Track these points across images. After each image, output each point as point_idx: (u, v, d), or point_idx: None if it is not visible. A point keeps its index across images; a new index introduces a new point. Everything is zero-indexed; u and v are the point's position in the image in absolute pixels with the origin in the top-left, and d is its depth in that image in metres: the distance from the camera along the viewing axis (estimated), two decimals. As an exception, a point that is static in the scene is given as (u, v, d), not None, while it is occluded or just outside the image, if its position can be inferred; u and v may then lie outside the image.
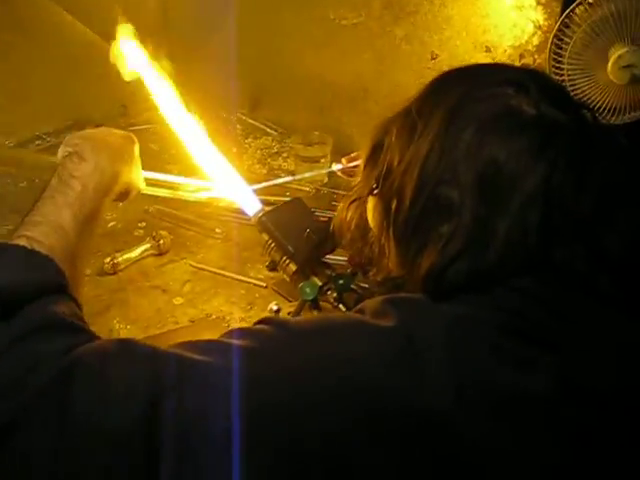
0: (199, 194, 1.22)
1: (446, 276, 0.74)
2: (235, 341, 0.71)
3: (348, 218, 0.97)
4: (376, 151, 0.89)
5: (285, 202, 1.27)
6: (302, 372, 0.67)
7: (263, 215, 1.19)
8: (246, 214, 1.23)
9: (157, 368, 0.67)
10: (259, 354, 0.69)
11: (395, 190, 0.82)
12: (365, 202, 0.93)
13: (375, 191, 0.88)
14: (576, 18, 1.36)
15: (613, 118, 1.38)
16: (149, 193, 1.14)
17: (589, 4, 1.36)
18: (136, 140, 1.06)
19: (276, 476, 0.64)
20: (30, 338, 0.68)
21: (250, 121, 2.20)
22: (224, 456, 0.63)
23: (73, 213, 0.87)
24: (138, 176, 1.07)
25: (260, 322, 0.76)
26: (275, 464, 0.63)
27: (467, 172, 0.74)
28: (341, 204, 0.99)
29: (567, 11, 1.37)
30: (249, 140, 2.13)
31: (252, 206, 1.22)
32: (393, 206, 0.82)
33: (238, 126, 2.21)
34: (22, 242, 0.80)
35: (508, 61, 1.61)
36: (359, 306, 0.77)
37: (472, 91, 0.79)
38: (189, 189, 1.21)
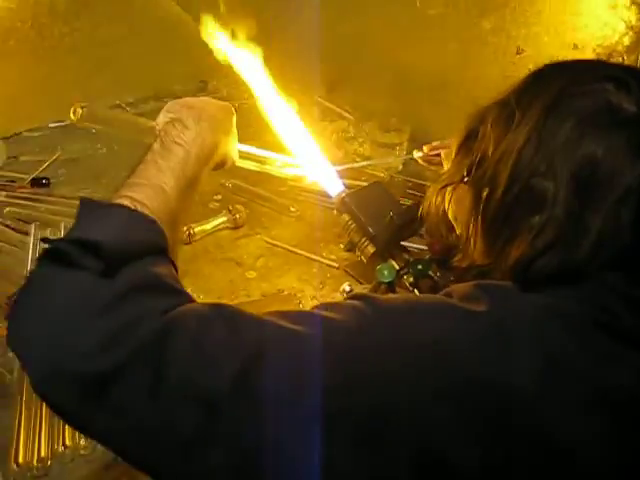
0: (286, 170, 1.24)
1: (535, 267, 0.75)
2: (325, 313, 0.73)
3: (437, 203, 0.98)
4: (469, 139, 0.90)
5: (367, 185, 1.29)
6: (390, 349, 0.68)
7: (346, 196, 1.21)
8: (327, 194, 1.24)
9: (251, 334, 0.69)
10: (348, 327, 0.70)
11: (488, 178, 0.83)
12: (455, 189, 0.94)
13: (466, 179, 0.89)
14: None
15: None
16: (241, 165, 1.16)
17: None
18: (234, 111, 1.08)
19: (358, 449, 0.65)
20: (131, 296, 0.70)
21: (327, 104, 2.22)
22: (311, 422, 0.65)
23: (175, 178, 0.89)
24: (234, 147, 1.09)
25: (350, 298, 0.78)
26: (357, 437, 0.65)
27: (563, 165, 0.75)
28: (430, 189, 1.00)
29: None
30: (325, 123, 2.15)
31: (334, 186, 1.24)
32: (484, 194, 0.83)
33: (315, 109, 2.22)
34: (126, 202, 0.81)
35: (603, 56, 1.59)
36: (445, 290, 0.78)
37: (572, 85, 0.79)
38: (276, 164, 1.23)
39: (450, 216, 0.98)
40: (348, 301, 0.76)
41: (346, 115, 2.17)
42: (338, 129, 2.11)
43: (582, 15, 1.62)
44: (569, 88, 0.79)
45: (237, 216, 1.65)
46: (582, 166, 0.74)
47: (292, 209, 1.71)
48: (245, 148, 1.17)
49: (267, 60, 1.26)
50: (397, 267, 1.21)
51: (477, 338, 0.69)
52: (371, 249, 1.21)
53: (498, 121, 0.84)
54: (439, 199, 0.98)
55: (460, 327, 0.70)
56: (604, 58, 1.60)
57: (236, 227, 1.66)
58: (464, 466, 0.65)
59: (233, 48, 1.23)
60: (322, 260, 1.55)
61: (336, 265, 1.53)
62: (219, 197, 1.77)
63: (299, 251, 1.57)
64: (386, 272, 1.19)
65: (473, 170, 0.87)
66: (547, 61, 0.86)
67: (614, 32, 1.58)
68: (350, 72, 2.18)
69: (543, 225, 0.75)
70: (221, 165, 1.07)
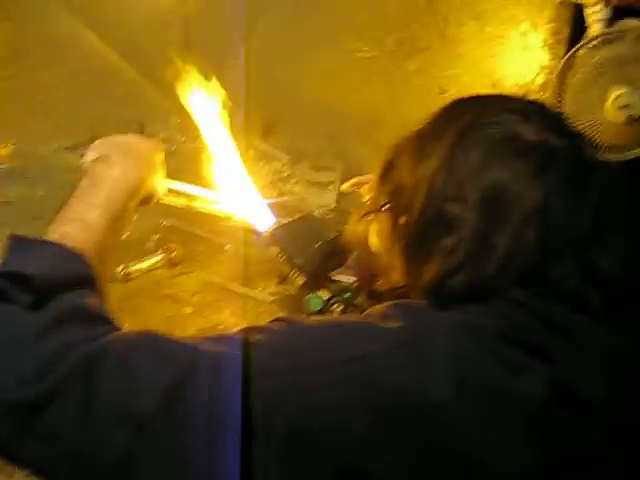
0: (215, 206, 1.28)
1: (447, 286, 0.80)
2: (248, 335, 0.76)
3: (359, 231, 1.03)
4: (388, 169, 0.95)
5: (297, 217, 1.33)
6: (307, 366, 0.72)
7: (275, 229, 1.25)
8: (258, 228, 1.28)
9: (177, 358, 0.73)
10: (269, 347, 0.74)
11: (404, 206, 0.88)
12: (375, 217, 0.99)
13: (385, 207, 0.94)
14: (578, 60, 1.44)
15: (612, 156, 1.45)
16: (169, 202, 1.19)
17: (591, 47, 1.44)
18: (162, 148, 1.12)
19: (284, 463, 0.68)
20: (61, 326, 0.74)
21: (263, 146, 2.26)
22: (237, 439, 0.68)
23: (102, 213, 0.93)
24: (160, 183, 1.13)
25: (274, 320, 0.82)
26: (282, 450, 0.68)
27: (472, 190, 0.81)
28: (352, 218, 1.05)
29: (570, 52, 1.45)
30: (261, 164, 2.20)
31: (265, 220, 1.28)
32: (401, 221, 0.89)
33: (251, 150, 2.27)
34: (54, 237, 0.86)
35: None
36: (365, 312, 0.83)
37: (480, 117, 0.86)
38: (205, 201, 1.27)
39: (371, 243, 1.03)
40: (271, 324, 0.80)
41: (281, 156, 2.22)
42: (273, 170, 2.16)
43: (499, 56, 1.71)
44: (477, 119, 0.86)
45: (173, 255, 1.68)
46: (488, 190, 0.80)
47: (227, 247, 1.74)
48: (174, 185, 1.20)
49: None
50: (326, 297, 1.25)
51: (392, 351, 0.73)
52: (300, 280, 1.25)
53: (413, 152, 0.90)
54: (360, 227, 1.03)
55: (375, 342, 0.74)
56: (530, 93, 1.70)
57: (172, 265, 1.69)
58: (383, 476, 0.68)
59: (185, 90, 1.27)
60: (256, 295, 1.58)
61: (270, 299, 1.56)
62: (157, 237, 1.79)
63: (234, 287, 1.60)
64: (315, 302, 1.23)
65: (391, 199, 0.92)
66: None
67: (529, 72, 1.68)
68: (285, 114, 2.23)
69: (454, 246, 0.80)
70: (147, 201, 1.10)
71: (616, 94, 1.41)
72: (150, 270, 1.66)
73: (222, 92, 1.25)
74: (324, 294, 1.26)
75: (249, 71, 2.00)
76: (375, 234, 1.00)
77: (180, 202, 1.23)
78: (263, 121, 2.29)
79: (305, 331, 0.77)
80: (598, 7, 1.41)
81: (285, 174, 2.13)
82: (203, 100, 1.26)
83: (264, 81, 2.03)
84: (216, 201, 1.28)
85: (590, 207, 0.81)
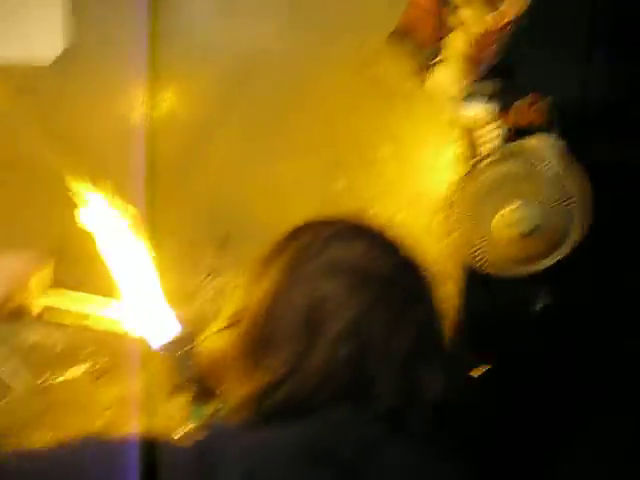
0: (109, 324, 1.31)
1: (266, 402, 0.84)
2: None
3: (211, 349, 1.07)
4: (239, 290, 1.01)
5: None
6: None
7: (167, 343, 1.29)
8: (152, 344, 1.32)
9: None
10: (41, 461, 0.81)
11: (244, 324, 0.93)
12: (225, 334, 1.03)
13: (231, 325, 0.99)
14: (473, 177, 1.50)
15: (507, 271, 1.47)
16: (51, 319, 1.23)
17: (488, 163, 1.50)
18: (39, 265, 1.18)
19: None
20: None
21: (213, 260, 2.31)
22: None
23: None
24: (33, 299, 1.17)
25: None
26: None
27: (294, 310, 0.86)
28: (204, 336, 1.09)
29: (465, 171, 1.51)
30: (209, 278, 2.24)
31: (163, 335, 1.31)
32: (242, 339, 0.94)
33: (205, 264, 2.32)
34: None
35: (435, 211, 1.74)
36: None
37: (310, 243, 0.92)
38: (99, 319, 1.30)
39: (223, 360, 1.06)
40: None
41: (228, 270, 2.26)
42: (220, 283, 2.20)
43: (419, 173, 1.78)
44: (307, 245, 0.92)
45: (97, 366, 1.71)
46: (308, 310, 0.85)
47: (153, 359, 1.76)
48: (60, 302, 1.25)
49: (165, 223, 1.36)
50: (211, 409, 1.27)
51: (177, 471, 0.76)
52: (191, 391, 1.27)
53: (255, 274, 0.97)
54: (212, 344, 1.07)
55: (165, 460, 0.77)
56: (442, 208, 1.75)
57: (97, 377, 1.71)
58: None
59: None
60: (168, 408, 1.58)
61: (181, 413, 1.56)
62: (88, 350, 1.81)
63: (148, 400, 1.61)
64: (195, 414, 1.25)
65: (237, 317, 0.98)
66: (391, 217, 0.99)
67: (443, 188, 1.74)
68: (239, 230, 2.29)
69: (276, 364, 0.85)
70: (15, 317, 1.16)
71: (508, 210, 1.45)
72: (72, 382, 1.68)
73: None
74: (212, 405, 1.27)
75: (203, 190, 2.10)
76: (224, 351, 1.04)
77: (68, 319, 1.26)
78: (218, 235, 2.35)
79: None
80: (490, 127, 1.47)
81: (231, 285, 2.17)
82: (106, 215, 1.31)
83: (218, 198, 2.12)
84: (112, 319, 1.32)
85: (410, 328, 0.85)
